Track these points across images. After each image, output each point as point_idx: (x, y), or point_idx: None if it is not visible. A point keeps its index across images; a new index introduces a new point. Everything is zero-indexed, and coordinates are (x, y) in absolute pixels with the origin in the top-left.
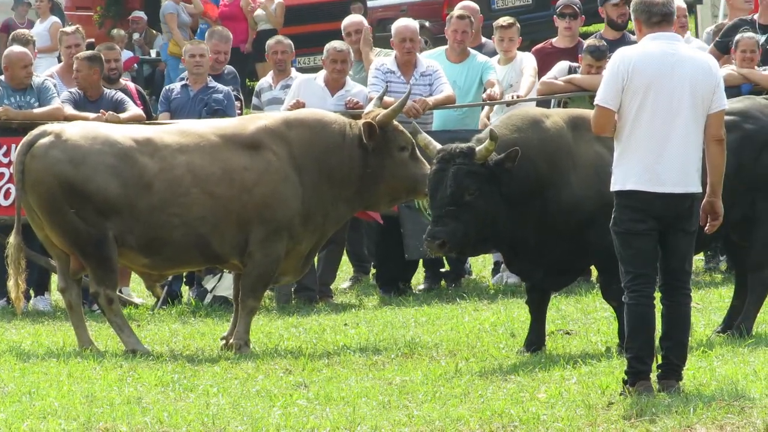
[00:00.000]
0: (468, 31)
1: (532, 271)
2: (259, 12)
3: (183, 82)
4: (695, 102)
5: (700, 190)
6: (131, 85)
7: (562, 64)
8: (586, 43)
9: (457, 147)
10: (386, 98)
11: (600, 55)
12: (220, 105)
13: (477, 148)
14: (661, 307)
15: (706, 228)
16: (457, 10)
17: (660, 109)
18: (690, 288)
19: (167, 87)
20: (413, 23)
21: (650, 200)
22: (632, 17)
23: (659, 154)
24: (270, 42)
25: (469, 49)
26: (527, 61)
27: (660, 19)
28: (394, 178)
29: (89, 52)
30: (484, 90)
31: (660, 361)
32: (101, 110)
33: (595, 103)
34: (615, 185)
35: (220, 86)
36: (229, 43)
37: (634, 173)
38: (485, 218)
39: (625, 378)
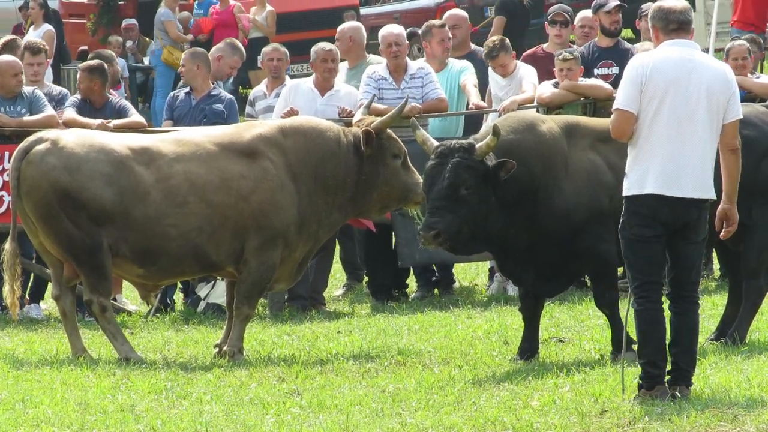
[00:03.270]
0: (450, 37)
1: (522, 274)
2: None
3: (187, 90)
4: (711, 109)
5: (714, 197)
6: (115, 93)
7: (546, 84)
8: (557, 51)
9: (457, 142)
10: (375, 105)
11: (567, 55)
12: (219, 117)
13: (477, 144)
14: (670, 314)
15: (722, 234)
16: (436, 21)
17: (677, 113)
18: (698, 296)
19: (172, 94)
20: (398, 28)
21: (659, 206)
22: (650, 24)
23: (676, 158)
24: (266, 49)
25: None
26: (527, 73)
27: (677, 27)
28: (387, 186)
29: (92, 62)
30: (467, 104)
31: (669, 367)
32: (101, 119)
33: (615, 107)
34: (630, 190)
35: (223, 94)
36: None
37: (649, 177)
38: (478, 215)
39: (641, 383)
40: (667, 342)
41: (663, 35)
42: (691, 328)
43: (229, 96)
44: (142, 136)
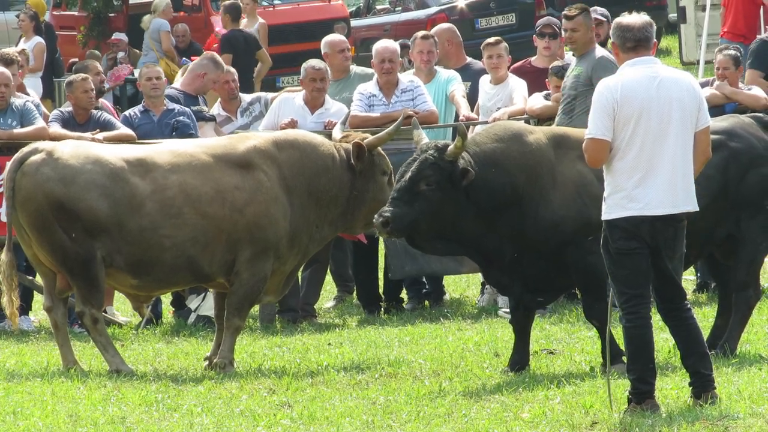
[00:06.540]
0: (433, 50)
1: (509, 284)
2: None
3: (141, 107)
4: (683, 121)
5: (696, 207)
6: (107, 104)
7: (537, 96)
8: (551, 65)
9: (434, 141)
10: (354, 113)
11: (563, 74)
12: (189, 129)
13: (450, 146)
14: (669, 328)
15: None
16: (420, 32)
17: (650, 133)
18: (688, 302)
19: (127, 114)
20: (394, 44)
21: (639, 224)
22: (611, 40)
23: (652, 178)
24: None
25: (435, 68)
26: (518, 85)
27: (634, 44)
28: (374, 202)
29: (79, 74)
30: (456, 116)
31: (690, 379)
32: (90, 133)
33: (587, 136)
34: (609, 214)
35: (178, 107)
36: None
37: (628, 200)
38: (439, 213)
39: (630, 397)
40: (660, 354)
41: (621, 53)
42: (696, 335)
43: (187, 109)
44: (137, 148)
